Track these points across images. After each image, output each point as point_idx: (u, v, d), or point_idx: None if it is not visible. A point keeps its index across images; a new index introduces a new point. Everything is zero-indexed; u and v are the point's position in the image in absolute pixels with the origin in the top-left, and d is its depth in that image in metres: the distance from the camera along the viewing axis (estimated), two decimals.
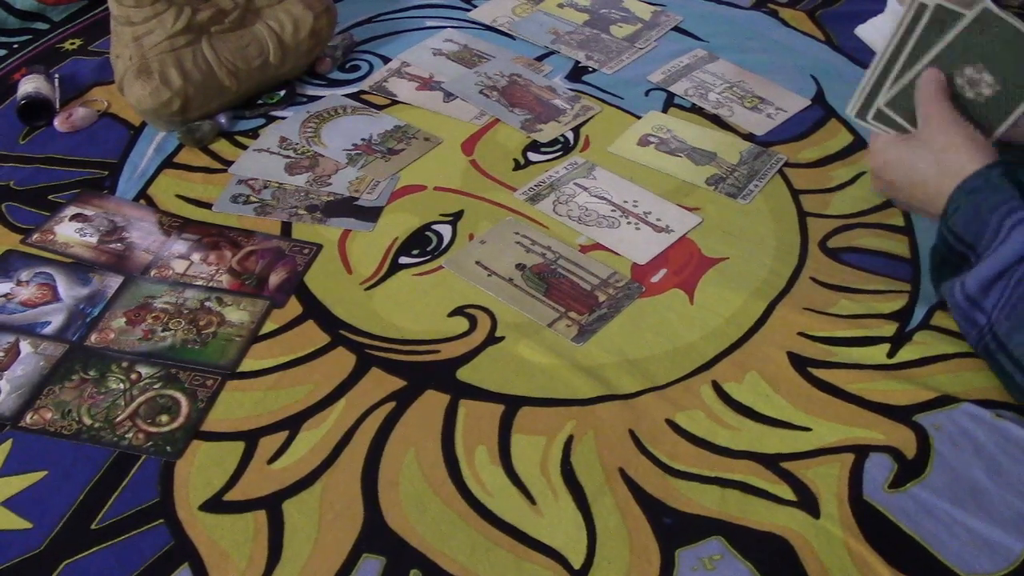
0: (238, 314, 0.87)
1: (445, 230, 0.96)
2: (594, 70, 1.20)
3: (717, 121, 1.10)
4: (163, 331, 0.85)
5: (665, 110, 1.12)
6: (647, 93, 1.15)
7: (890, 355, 0.80)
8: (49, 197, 1.01)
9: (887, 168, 0.80)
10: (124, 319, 0.86)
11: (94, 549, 0.69)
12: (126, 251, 0.94)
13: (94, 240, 0.95)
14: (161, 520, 0.70)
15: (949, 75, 0.78)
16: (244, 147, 1.08)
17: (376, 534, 0.69)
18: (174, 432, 0.76)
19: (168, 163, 1.06)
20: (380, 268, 0.92)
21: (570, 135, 1.09)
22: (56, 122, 1.12)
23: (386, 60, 1.22)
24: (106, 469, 0.74)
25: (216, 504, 0.71)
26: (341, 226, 0.97)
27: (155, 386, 0.80)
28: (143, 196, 1.02)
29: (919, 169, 0.77)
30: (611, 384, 0.79)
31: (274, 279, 0.91)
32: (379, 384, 0.80)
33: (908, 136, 0.80)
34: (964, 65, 0.77)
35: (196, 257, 0.93)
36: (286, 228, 0.97)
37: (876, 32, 1.09)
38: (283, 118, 1.12)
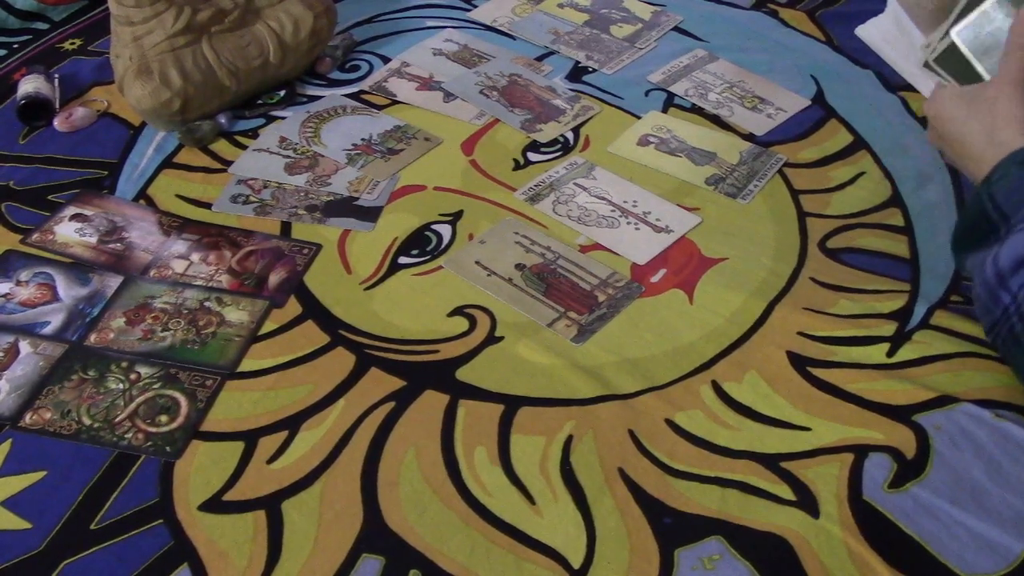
0: (237, 314, 0.87)
1: (445, 230, 0.96)
2: (594, 70, 1.20)
3: (717, 121, 1.10)
4: (162, 331, 0.85)
5: (665, 110, 1.12)
6: (647, 93, 1.15)
7: (890, 355, 0.80)
8: (49, 197, 1.01)
9: (939, 121, 0.77)
10: (123, 319, 0.86)
11: (94, 549, 0.69)
12: (126, 251, 0.94)
13: (93, 240, 0.95)
14: (160, 520, 0.70)
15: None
16: (244, 147, 1.08)
17: (375, 534, 0.69)
18: (173, 432, 0.76)
19: (168, 163, 1.06)
20: (380, 268, 0.92)
21: (570, 135, 1.09)
22: (56, 122, 1.12)
23: (386, 60, 1.22)
24: (105, 469, 0.74)
25: (215, 504, 0.71)
26: (341, 226, 0.97)
27: (154, 386, 0.80)
28: (143, 196, 1.02)
29: (972, 131, 0.73)
30: (611, 384, 0.79)
31: (274, 279, 0.91)
32: (378, 384, 0.80)
33: (971, 91, 0.75)
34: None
35: (196, 257, 0.93)
36: (286, 228, 0.97)
37: (876, 32, 1.09)
38: (283, 118, 1.12)
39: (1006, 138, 0.71)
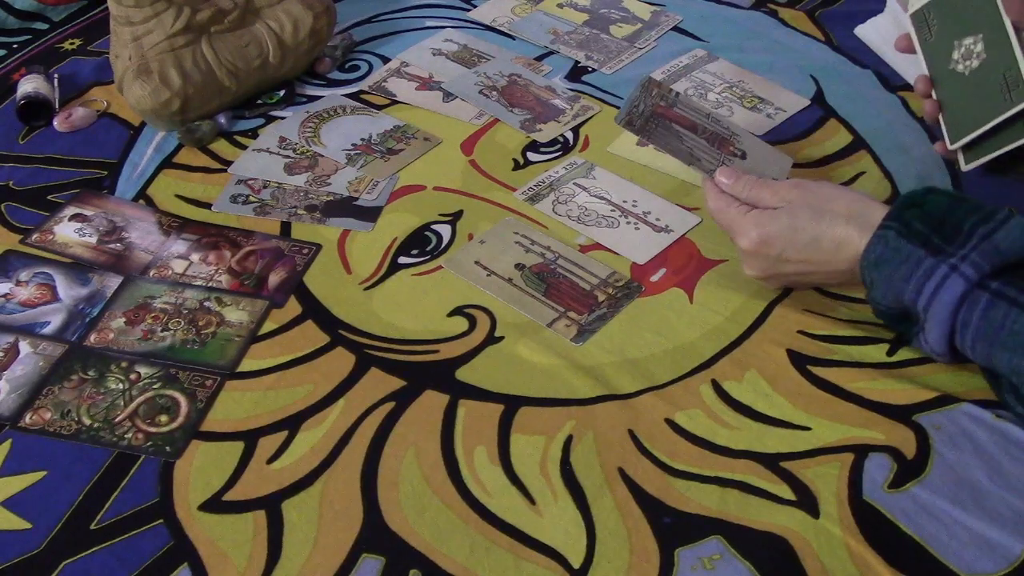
0: (237, 314, 0.87)
1: (444, 230, 0.96)
2: (593, 70, 1.20)
3: None
4: (162, 331, 0.85)
5: None
6: None
7: (890, 354, 0.80)
8: (48, 197, 1.01)
9: (769, 243, 0.77)
10: (123, 319, 0.86)
11: (93, 549, 0.69)
12: (125, 251, 0.94)
13: (93, 240, 0.95)
14: (160, 520, 0.70)
15: (943, 64, 0.77)
16: (243, 147, 1.08)
17: (375, 534, 0.69)
18: (173, 432, 0.76)
19: (167, 163, 1.06)
20: (379, 268, 0.92)
21: (569, 135, 1.09)
22: (55, 122, 1.12)
23: (386, 60, 1.22)
24: (105, 469, 0.74)
25: (215, 504, 0.71)
26: (340, 226, 0.97)
27: (154, 386, 0.80)
28: (142, 196, 1.02)
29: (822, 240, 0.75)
30: (610, 384, 0.79)
31: (273, 279, 0.91)
32: (378, 384, 0.80)
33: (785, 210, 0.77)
34: (953, 40, 0.77)
35: (195, 257, 0.93)
36: (285, 228, 0.97)
37: (876, 32, 1.09)
38: (282, 118, 1.12)
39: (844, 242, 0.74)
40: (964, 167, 0.83)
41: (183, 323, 0.86)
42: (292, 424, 0.77)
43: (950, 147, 0.82)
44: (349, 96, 1.16)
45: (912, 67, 0.88)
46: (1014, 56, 0.75)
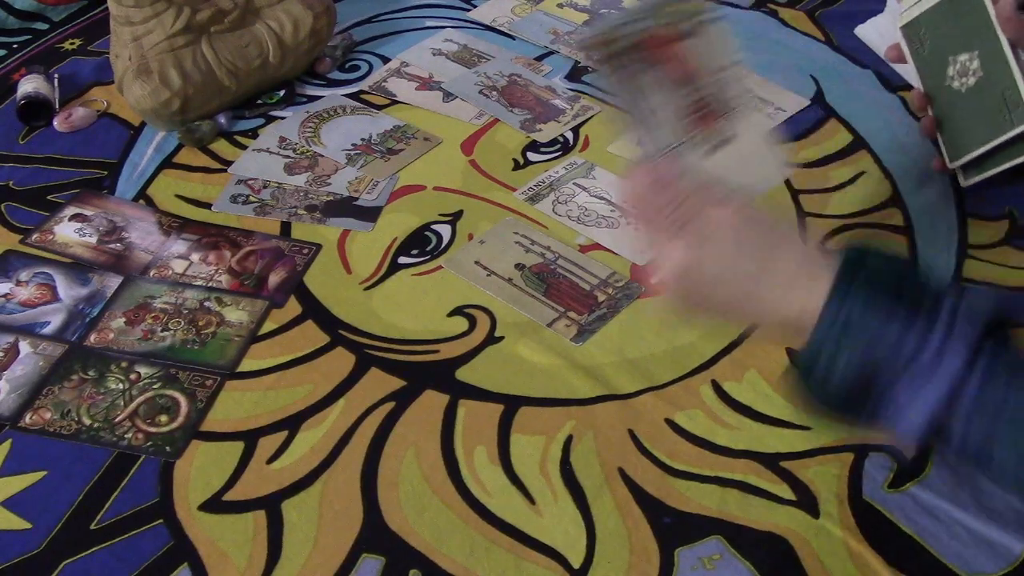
0: (237, 314, 0.87)
1: (444, 230, 0.96)
2: (594, 70, 1.20)
3: None
4: (162, 331, 0.85)
5: None
6: None
7: None
8: (48, 197, 1.01)
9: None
10: (123, 319, 0.86)
11: (94, 549, 0.69)
12: (125, 251, 0.94)
13: (93, 240, 0.95)
14: (160, 520, 0.70)
15: (939, 80, 0.77)
16: (243, 147, 1.08)
17: (375, 534, 0.69)
18: (173, 432, 0.76)
19: (167, 163, 1.06)
20: (379, 268, 0.92)
21: (569, 135, 1.09)
22: (56, 122, 1.12)
23: (386, 60, 1.22)
24: (105, 469, 0.74)
25: (215, 504, 0.71)
26: (340, 226, 0.97)
27: (154, 386, 0.80)
28: (142, 196, 1.02)
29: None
30: (610, 384, 0.79)
31: (273, 279, 0.91)
32: (378, 384, 0.80)
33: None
34: (947, 55, 0.77)
35: (195, 257, 0.93)
36: (285, 228, 0.97)
37: (876, 32, 1.09)
38: (282, 118, 1.12)
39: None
40: (963, 183, 0.83)
41: (183, 323, 0.86)
42: (292, 424, 0.77)
43: (950, 165, 0.82)
44: (349, 96, 1.16)
45: (911, 66, 0.88)
46: (1013, 76, 0.74)
